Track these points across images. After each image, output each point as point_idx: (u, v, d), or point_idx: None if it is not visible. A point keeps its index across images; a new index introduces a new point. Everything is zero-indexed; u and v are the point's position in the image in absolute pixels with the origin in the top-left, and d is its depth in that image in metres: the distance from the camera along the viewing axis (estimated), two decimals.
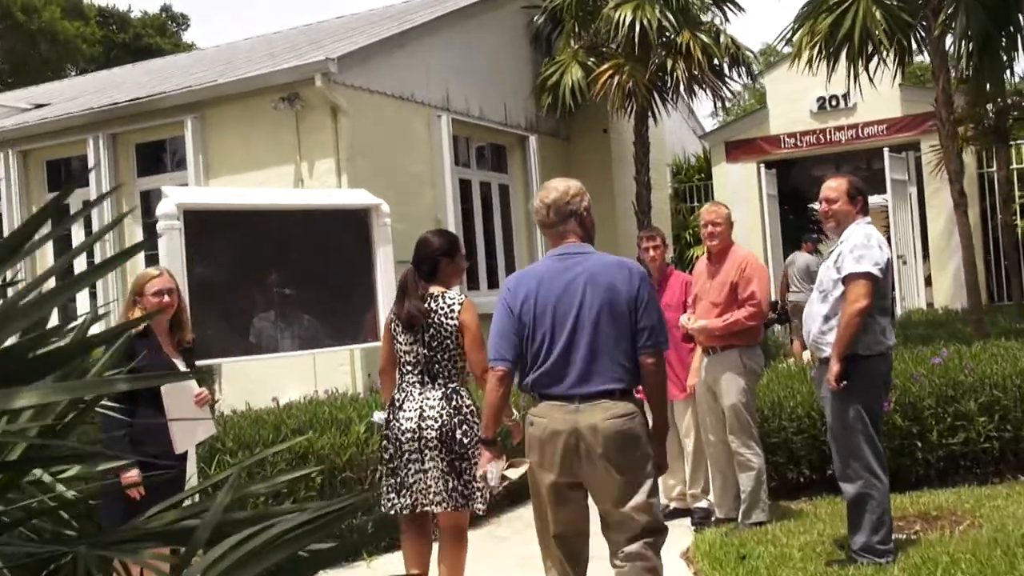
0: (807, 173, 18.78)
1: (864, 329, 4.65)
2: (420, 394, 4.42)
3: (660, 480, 5.99)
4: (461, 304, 4.44)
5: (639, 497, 3.56)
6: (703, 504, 6.24)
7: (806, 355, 5.63)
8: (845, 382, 4.63)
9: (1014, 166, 13.79)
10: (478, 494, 4.34)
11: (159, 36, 36.18)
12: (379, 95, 9.82)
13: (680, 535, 6.02)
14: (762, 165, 15.53)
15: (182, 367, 4.32)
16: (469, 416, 4.40)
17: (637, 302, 3.57)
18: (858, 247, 4.69)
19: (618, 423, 3.52)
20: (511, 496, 7.03)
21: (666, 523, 3.77)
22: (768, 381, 7.18)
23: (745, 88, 26.89)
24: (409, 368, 4.49)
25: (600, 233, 4.01)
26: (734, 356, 5.74)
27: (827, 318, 4.77)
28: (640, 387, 3.68)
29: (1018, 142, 14.05)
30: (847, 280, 4.66)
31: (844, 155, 16.84)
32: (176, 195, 5.39)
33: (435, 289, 4.48)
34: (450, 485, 4.32)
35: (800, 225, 17.81)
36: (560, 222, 3.70)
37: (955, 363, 6.56)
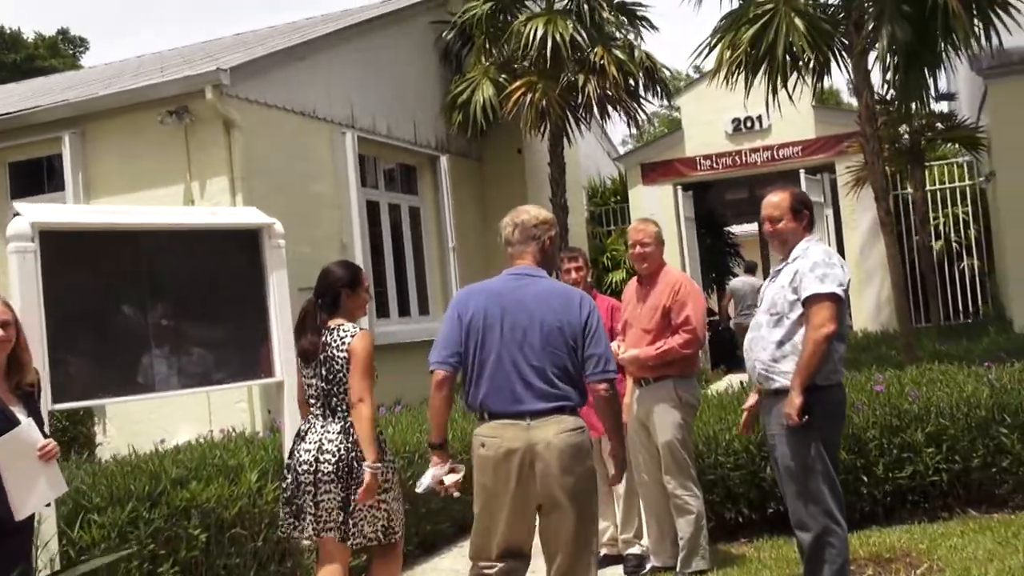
0: (722, 196, 18.66)
1: (827, 356, 4.18)
2: (322, 427, 4.42)
3: None
4: (353, 335, 4.40)
5: (590, 525, 3.73)
6: (636, 550, 5.69)
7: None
8: (807, 416, 4.14)
9: (929, 187, 13.74)
10: (359, 531, 4.32)
11: (53, 58, 34.56)
12: (277, 110, 9.13)
13: None
14: (679, 187, 15.25)
15: (22, 416, 3.58)
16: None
17: (586, 329, 3.63)
18: (819, 265, 4.22)
19: (571, 436, 3.60)
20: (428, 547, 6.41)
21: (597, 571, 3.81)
22: (700, 412, 6.70)
23: (660, 109, 26.83)
24: (312, 401, 4.53)
25: None
26: (668, 388, 5.23)
27: (780, 344, 4.28)
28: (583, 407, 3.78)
29: (933, 163, 14.02)
30: (810, 302, 4.19)
31: (759, 178, 16.70)
32: (31, 213, 4.63)
33: (334, 322, 4.48)
34: (341, 517, 4.31)
35: (717, 248, 17.63)
36: (522, 243, 3.82)
37: (896, 390, 6.16)
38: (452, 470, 3.83)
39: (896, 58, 8.19)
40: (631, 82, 11.78)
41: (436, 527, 6.54)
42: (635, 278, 5.55)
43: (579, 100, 11.70)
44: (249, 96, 8.72)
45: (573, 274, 5.76)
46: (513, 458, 3.56)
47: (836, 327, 4.14)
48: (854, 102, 10.03)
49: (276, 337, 5.51)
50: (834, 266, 4.24)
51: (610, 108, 12.05)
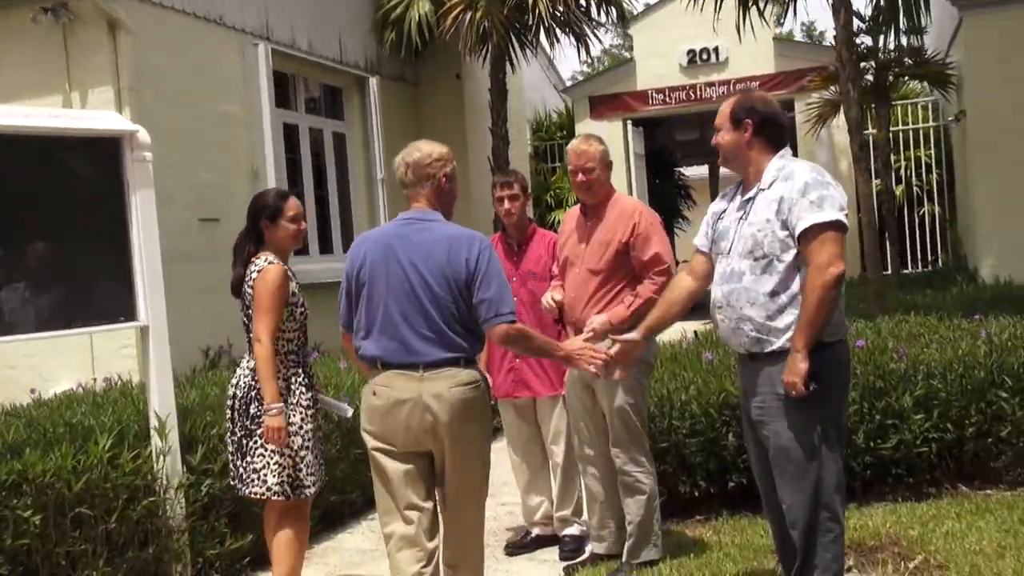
0: (672, 135, 17.76)
1: (833, 306, 3.31)
2: (244, 364, 4.27)
3: (521, 499, 5.09)
4: (259, 271, 4.15)
5: (479, 487, 3.60)
6: (574, 531, 4.83)
7: None
8: (814, 384, 3.26)
9: (899, 127, 12.94)
10: (259, 478, 4.07)
11: None
12: (175, 12, 7.92)
13: (544, 573, 4.59)
14: (629, 122, 14.29)
15: None
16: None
17: (475, 274, 3.42)
18: (812, 186, 3.30)
19: (464, 391, 3.44)
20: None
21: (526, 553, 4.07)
22: (656, 367, 5.83)
23: (610, 47, 25.71)
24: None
25: None
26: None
27: (774, 294, 3.36)
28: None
29: (896, 103, 13.21)
30: (808, 236, 3.27)
31: (709, 116, 15.81)
32: None
33: (259, 256, 4.24)
34: (237, 464, 4.16)
35: (667, 189, 16.76)
36: (415, 184, 3.60)
37: (876, 345, 5.34)
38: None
39: None
40: (582, 2, 10.70)
41: (343, 497, 5.60)
42: (576, 207, 4.59)
43: (528, 20, 10.60)
44: None
45: (506, 203, 4.80)
46: (402, 408, 3.42)
47: (844, 265, 3.26)
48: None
49: (140, 272, 4.49)
50: (828, 185, 3.32)
51: (559, 31, 10.95)
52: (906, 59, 11.82)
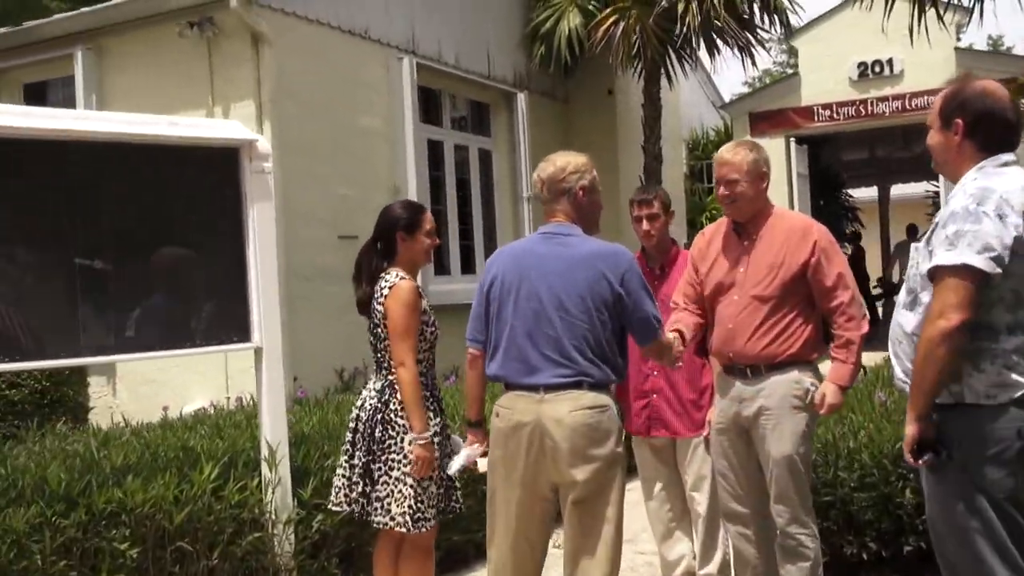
0: (839, 154, 16.75)
1: (976, 360, 2.66)
2: (371, 383, 4.06)
3: (658, 550, 4.51)
4: (391, 287, 3.88)
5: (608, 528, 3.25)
6: None
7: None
8: (929, 455, 2.67)
9: None
10: (383, 506, 3.80)
11: None
12: (319, 25, 7.79)
13: None
14: (792, 140, 13.46)
15: None
16: (394, 416, 3.83)
17: (625, 293, 3.26)
18: (958, 216, 2.65)
19: (587, 415, 3.22)
20: None
21: None
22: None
23: (772, 66, 24.56)
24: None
25: (603, 211, 3.57)
26: (792, 379, 3.69)
27: (914, 336, 2.77)
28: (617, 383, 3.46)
29: None
30: (933, 278, 2.68)
31: (880, 133, 14.80)
32: None
33: (391, 270, 3.97)
34: (358, 488, 3.86)
35: (832, 211, 15.78)
36: (552, 199, 3.45)
37: None
38: (486, 453, 3.51)
39: None
40: (744, 9, 10.05)
41: (468, 536, 5.19)
42: (715, 224, 4.00)
43: (682, 31, 10.04)
44: (285, 7, 7.41)
45: (644, 223, 4.26)
46: (522, 432, 3.24)
47: (963, 318, 2.59)
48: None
49: (256, 290, 4.20)
50: (981, 217, 2.61)
51: (719, 41, 10.32)
52: None
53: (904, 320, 2.82)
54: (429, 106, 9.45)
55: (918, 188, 20.36)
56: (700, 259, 3.93)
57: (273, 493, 4.10)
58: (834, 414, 4.93)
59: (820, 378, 3.72)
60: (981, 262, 2.58)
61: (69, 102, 7.85)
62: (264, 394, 4.23)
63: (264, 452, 4.14)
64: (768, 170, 3.83)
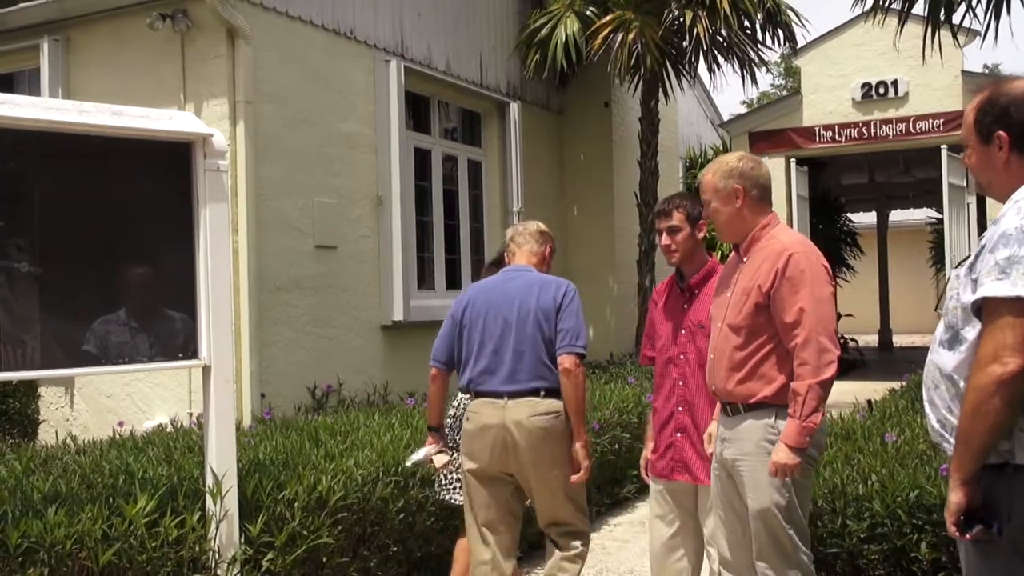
0: (838, 178, 16.41)
1: (1012, 416, 2.21)
2: None
3: None
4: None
5: (565, 503, 3.91)
6: None
7: None
8: (978, 528, 2.23)
9: None
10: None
11: None
12: (302, 23, 7.38)
13: None
14: (792, 161, 13.09)
15: None
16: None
17: (559, 310, 3.83)
18: (1008, 239, 2.22)
19: (542, 420, 3.77)
20: None
21: None
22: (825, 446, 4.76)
23: (770, 88, 24.26)
24: None
25: (596, 228, 4.09)
26: (766, 424, 3.24)
27: (954, 379, 2.35)
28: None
29: None
30: (981, 312, 2.25)
31: (880, 157, 14.45)
32: None
33: None
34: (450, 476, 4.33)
35: (831, 236, 15.41)
36: (520, 245, 4.11)
37: None
38: (441, 451, 4.14)
39: None
40: (747, 24, 9.69)
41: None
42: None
43: (685, 43, 9.67)
44: (263, 2, 7.00)
45: (664, 237, 3.82)
46: (488, 433, 3.81)
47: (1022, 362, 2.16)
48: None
49: (205, 300, 3.76)
50: None
51: (720, 57, 9.96)
52: None
53: (942, 360, 2.39)
54: (417, 113, 9.04)
55: (918, 215, 20.05)
56: (719, 285, 3.53)
57: (217, 529, 3.65)
58: (841, 452, 4.59)
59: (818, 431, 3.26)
60: None
61: (35, 95, 7.42)
62: (212, 417, 3.79)
63: (209, 482, 3.70)
64: (742, 186, 3.37)
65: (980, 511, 2.24)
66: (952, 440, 2.35)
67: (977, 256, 2.32)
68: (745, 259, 3.35)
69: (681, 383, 3.77)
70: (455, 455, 4.17)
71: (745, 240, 3.36)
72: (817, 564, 4.03)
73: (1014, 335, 2.17)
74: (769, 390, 3.21)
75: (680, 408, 3.76)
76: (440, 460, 4.11)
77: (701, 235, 3.86)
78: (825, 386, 3.13)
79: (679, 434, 3.78)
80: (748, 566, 3.36)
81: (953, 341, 2.37)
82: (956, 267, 2.51)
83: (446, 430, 4.25)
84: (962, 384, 2.32)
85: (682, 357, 3.78)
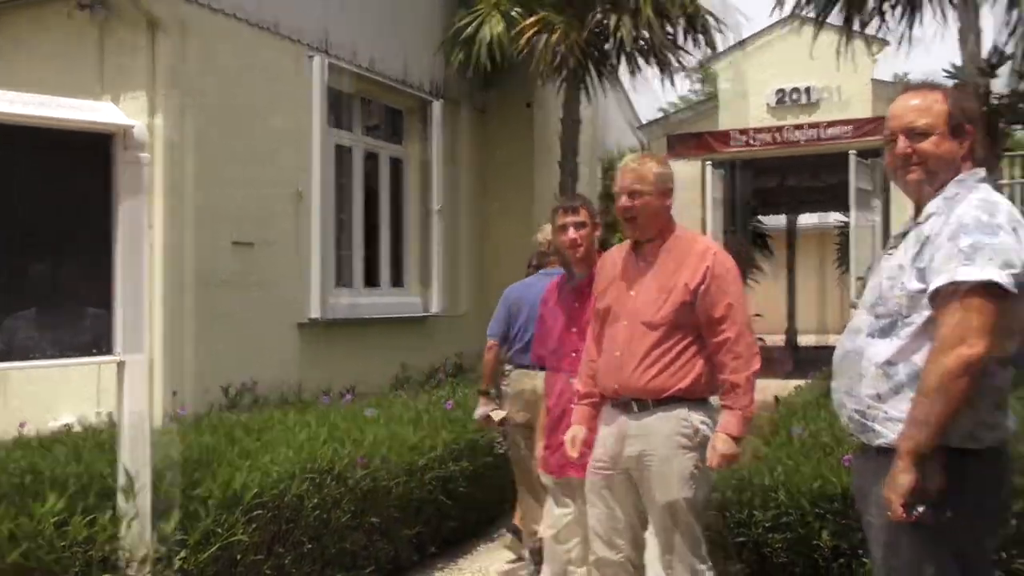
0: (750, 182, 16.78)
1: (972, 399, 2.36)
2: None
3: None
4: None
5: None
6: None
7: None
8: (925, 509, 2.34)
9: (1004, 181, 11.83)
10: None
11: None
12: (224, 16, 7.30)
13: None
14: (708, 164, 13.38)
15: None
16: None
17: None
18: (969, 227, 2.37)
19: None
20: None
21: None
22: None
23: (701, 65, 24.48)
24: None
25: (516, 227, 4.45)
26: (679, 417, 3.37)
27: (890, 365, 2.47)
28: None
29: (1006, 154, 12.08)
30: (942, 296, 2.37)
31: (792, 162, 14.83)
32: None
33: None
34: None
35: (743, 238, 15.77)
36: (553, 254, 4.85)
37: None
38: (495, 410, 5.09)
39: None
40: (668, 28, 9.87)
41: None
42: (618, 246, 3.68)
43: (608, 45, 9.81)
44: None
45: (571, 231, 3.94)
46: (523, 395, 4.71)
47: (988, 345, 2.30)
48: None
49: (121, 296, 3.73)
50: (997, 230, 2.35)
51: (641, 60, 10.14)
52: (1021, 105, 10.71)
53: (875, 350, 2.50)
54: (339, 109, 9.01)
55: (826, 218, 20.64)
56: (600, 284, 3.62)
57: (129, 528, 3.62)
58: (750, 447, 4.75)
59: (713, 417, 3.41)
60: (1004, 278, 2.30)
61: None
62: (126, 414, 3.76)
63: (121, 480, 3.67)
64: (673, 188, 3.54)
65: (927, 493, 2.33)
66: (879, 426, 2.47)
67: (922, 246, 2.44)
68: (650, 258, 3.46)
69: (573, 380, 3.85)
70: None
71: (655, 238, 3.47)
72: (724, 553, 4.21)
73: (979, 318, 2.29)
74: (683, 384, 3.34)
75: (574, 405, 3.84)
76: (498, 414, 5.02)
77: (597, 234, 4.00)
78: (756, 376, 3.33)
79: None
80: (625, 564, 3.47)
81: (891, 329, 2.48)
82: (883, 260, 2.62)
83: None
84: (902, 370, 2.44)
85: (574, 355, 3.86)
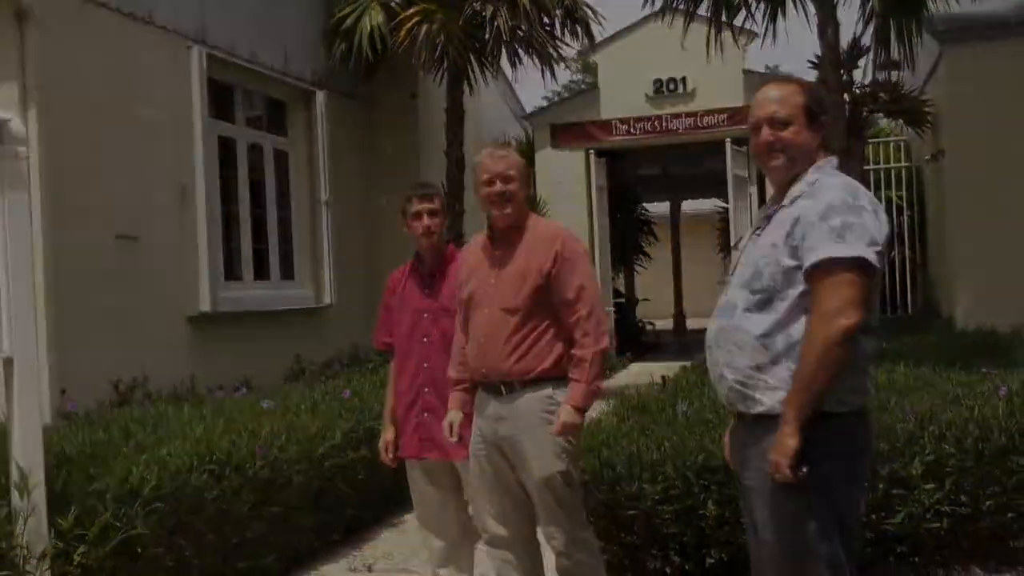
0: (635, 170, 17.20)
1: (838, 367, 2.57)
2: None
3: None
4: None
5: None
6: None
7: None
8: (805, 469, 2.54)
9: (870, 166, 12.46)
10: None
11: None
12: (96, 6, 7.12)
13: None
14: (592, 153, 13.67)
15: None
16: None
17: None
18: (836, 209, 2.58)
19: None
20: None
21: None
22: (618, 421, 5.11)
23: (575, 70, 24.97)
24: None
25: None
26: (545, 396, 3.50)
27: (767, 337, 2.66)
28: None
29: (869, 140, 12.74)
30: (818, 273, 2.56)
31: (673, 149, 15.27)
32: None
33: None
34: None
35: (628, 224, 16.17)
36: None
37: (879, 403, 4.65)
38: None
39: None
40: (546, 20, 10.06)
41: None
42: (478, 238, 3.77)
43: (487, 36, 9.94)
44: None
45: (425, 218, 3.95)
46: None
47: (860, 317, 2.53)
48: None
49: (6, 292, 3.66)
50: (861, 211, 2.58)
51: (521, 51, 10.31)
52: (881, 94, 11.34)
53: (751, 324, 2.67)
54: (221, 101, 8.89)
55: (707, 204, 21.29)
56: (463, 274, 3.74)
57: (25, 524, 3.58)
58: (639, 423, 4.95)
59: None
60: (871, 255, 2.53)
61: None
62: (16, 411, 3.69)
63: (15, 477, 3.61)
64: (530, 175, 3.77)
65: (808, 455, 2.53)
66: (758, 394, 2.65)
67: (792, 227, 2.62)
68: (507, 246, 3.59)
69: (426, 364, 3.91)
70: None
71: (514, 225, 3.62)
72: (616, 526, 4.40)
73: (852, 291, 2.51)
74: (547, 363, 3.48)
75: (427, 389, 3.92)
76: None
77: (444, 222, 4.12)
78: (605, 354, 3.50)
79: (426, 414, 3.93)
80: (516, 539, 3.62)
81: (767, 303, 2.65)
82: (753, 240, 2.81)
83: None
84: (779, 341, 2.62)
85: (426, 340, 3.93)
